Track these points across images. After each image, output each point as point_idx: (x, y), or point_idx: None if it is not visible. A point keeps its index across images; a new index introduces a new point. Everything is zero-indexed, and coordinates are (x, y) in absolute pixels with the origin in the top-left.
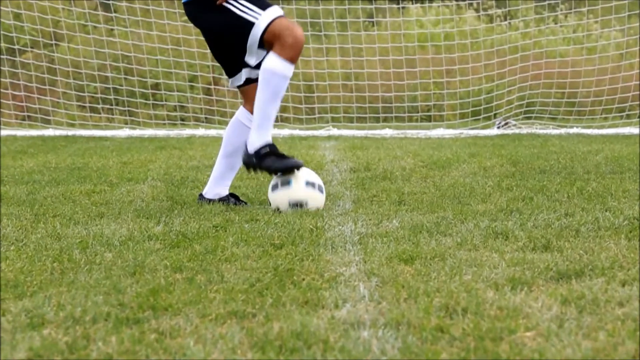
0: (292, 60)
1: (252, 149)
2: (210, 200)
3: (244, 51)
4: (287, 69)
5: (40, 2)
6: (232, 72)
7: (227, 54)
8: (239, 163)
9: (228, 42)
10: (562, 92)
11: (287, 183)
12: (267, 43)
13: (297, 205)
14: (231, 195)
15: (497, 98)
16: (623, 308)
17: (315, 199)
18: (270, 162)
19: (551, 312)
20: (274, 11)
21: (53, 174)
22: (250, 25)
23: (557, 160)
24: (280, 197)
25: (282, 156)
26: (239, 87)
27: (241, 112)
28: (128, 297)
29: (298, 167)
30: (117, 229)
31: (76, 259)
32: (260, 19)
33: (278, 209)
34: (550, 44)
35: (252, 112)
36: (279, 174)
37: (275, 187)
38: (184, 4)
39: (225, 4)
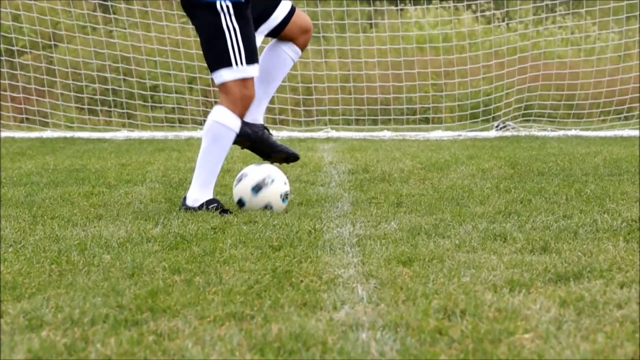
0: (241, 114)
1: (192, 203)
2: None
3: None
4: (236, 122)
5: (39, 4)
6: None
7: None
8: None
9: (205, 51)
10: (561, 94)
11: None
12: (219, 88)
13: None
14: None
15: (495, 100)
16: (621, 310)
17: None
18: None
19: (550, 314)
20: (254, 70)
21: (51, 176)
22: (227, 63)
23: (556, 162)
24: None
25: (225, 210)
26: None
27: (276, 41)
28: (126, 299)
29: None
30: (115, 231)
31: (74, 261)
32: (239, 69)
33: (268, 206)
34: (548, 46)
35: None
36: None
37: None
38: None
39: (224, 25)
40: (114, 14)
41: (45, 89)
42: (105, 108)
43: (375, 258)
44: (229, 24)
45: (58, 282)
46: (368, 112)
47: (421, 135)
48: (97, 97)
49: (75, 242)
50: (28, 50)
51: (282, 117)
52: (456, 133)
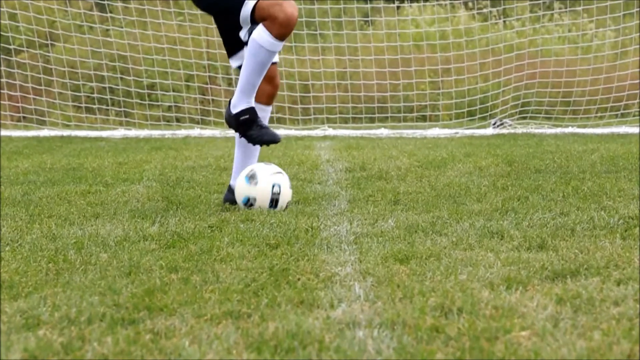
0: (280, 37)
1: (234, 110)
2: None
3: (239, 27)
4: (274, 45)
5: (36, 3)
6: (231, 51)
7: (225, 30)
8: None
9: (223, 18)
10: (558, 92)
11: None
12: (258, 19)
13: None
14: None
15: (492, 97)
16: (618, 307)
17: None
18: (252, 132)
19: (546, 312)
20: None
21: (48, 175)
22: (241, 0)
23: (553, 159)
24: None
25: (262, 127)
26: (239, 67)
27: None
28: (123, 298)
29: (276, 141)
30: (112, 230)
31: (71, 260)
32: None
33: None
34: (545, 43)
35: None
36: (256, 146)
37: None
38: None
39: None
40: (111, 12)
41: (42, 87)
42: (103, 107)
43: (372, 256)
44: None
45: (55, 281)
46: (365, 110)
47: (418, 133)
48: (94, 95)
49: (72, 241)
50: (25, 49)
51: (279, 115)
52: (453, 131)
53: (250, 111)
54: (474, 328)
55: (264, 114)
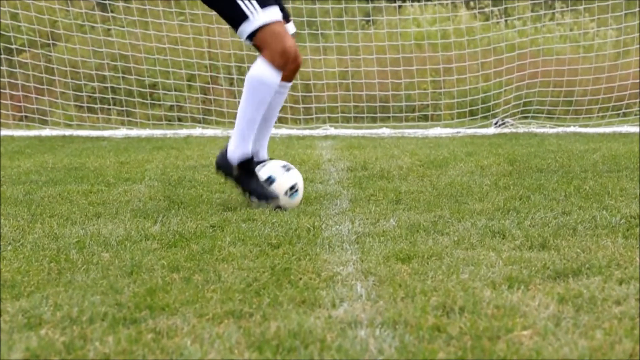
0: (281, 68)
1: (233, 158)
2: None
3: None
4: (274, 77)
5: (37, 2)
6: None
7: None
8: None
9: (222, 17)
10: (559, 91)
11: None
12: (255, 45)
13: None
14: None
15: (494, 97)
16: (620, 306)
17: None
18: (254, 186)
19: (548, 311)
20: (272, 14)
21: (50, 174)
22: (243, 17)
23: (554, 159)
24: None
25: (260, 180)
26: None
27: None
28: (125, 297)
29: (277, 203)
30: (114, 229)
31: (73, 259)
32: (255, 17)
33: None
34: (547, 43)
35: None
36: (251, 198)
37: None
38: None
39: None
40: (112, 12)
41: (44, 87)
42: (104, 106)
43: (374, 255)
44: None
45: (57, 281)
46: (367, 109)
47: (420, 132)
48: (96, 95)
49: (74, 241)
50: (26, 48)
51: (281, 114)
52: (455, 130)
53: (251, 162)
54: (475, 327)
55: (284, 90)
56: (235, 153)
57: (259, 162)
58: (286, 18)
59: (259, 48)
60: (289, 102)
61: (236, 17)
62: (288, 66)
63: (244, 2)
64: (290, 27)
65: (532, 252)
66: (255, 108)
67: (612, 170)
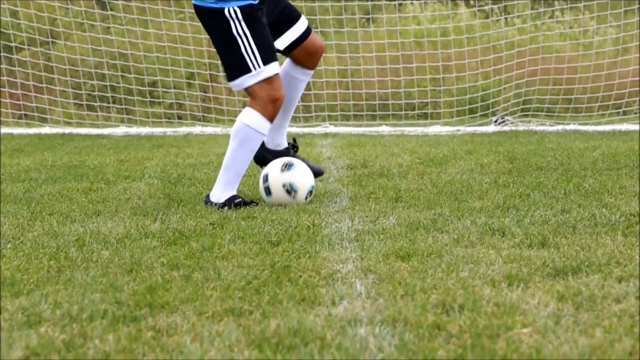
0: (271, 118)
1: (215, 200)
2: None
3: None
4: (266, 126)
5: (37, 1)
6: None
7: None
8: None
9: (222, 62)
10: (559, 89)
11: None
12: (247, 92)
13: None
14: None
15: (493, 95)
16: (620, 304)
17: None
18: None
19: (548, 309)
20: (273, 69)
21: (50, 172)
22: (246, 69)
23: (554, 157)
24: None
25: (248, 203)
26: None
27: (288, 64)
28: (125, 295)
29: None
30: (114, 227)
31: (73, 257)
32: (258, 72)
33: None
34: (546, 40)
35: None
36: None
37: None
38: (194, 5)
39: (234, 33)
40: (112, 10)
41: (44, 85)
42: (104, 104)
43: (374, 253)
44: (239, 30)
45: (56, 278)
46: (366, 107)
47: (419, 130)
48: (96, 93)
49: (73, 238)
50: (26, 46)
51: None
52: (454, 128)
53: (237, 197)
54: (475, 325)
55: (307, 77)
56: (222, 198)
57: (278, 152)
58: (297, 17)
59: (250, 96)
60: None
61: (238, 68)
62: (276, 112)
63: (249, 56)
64: (302, 23)
65: (531, 250)
66: (246, 158)
67: (611, 168)
